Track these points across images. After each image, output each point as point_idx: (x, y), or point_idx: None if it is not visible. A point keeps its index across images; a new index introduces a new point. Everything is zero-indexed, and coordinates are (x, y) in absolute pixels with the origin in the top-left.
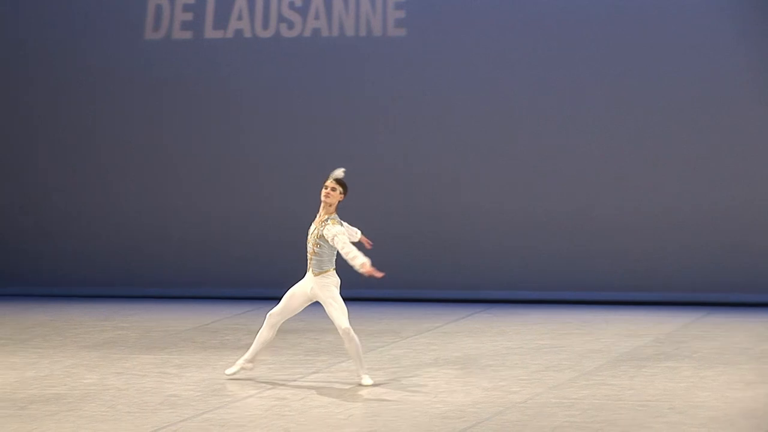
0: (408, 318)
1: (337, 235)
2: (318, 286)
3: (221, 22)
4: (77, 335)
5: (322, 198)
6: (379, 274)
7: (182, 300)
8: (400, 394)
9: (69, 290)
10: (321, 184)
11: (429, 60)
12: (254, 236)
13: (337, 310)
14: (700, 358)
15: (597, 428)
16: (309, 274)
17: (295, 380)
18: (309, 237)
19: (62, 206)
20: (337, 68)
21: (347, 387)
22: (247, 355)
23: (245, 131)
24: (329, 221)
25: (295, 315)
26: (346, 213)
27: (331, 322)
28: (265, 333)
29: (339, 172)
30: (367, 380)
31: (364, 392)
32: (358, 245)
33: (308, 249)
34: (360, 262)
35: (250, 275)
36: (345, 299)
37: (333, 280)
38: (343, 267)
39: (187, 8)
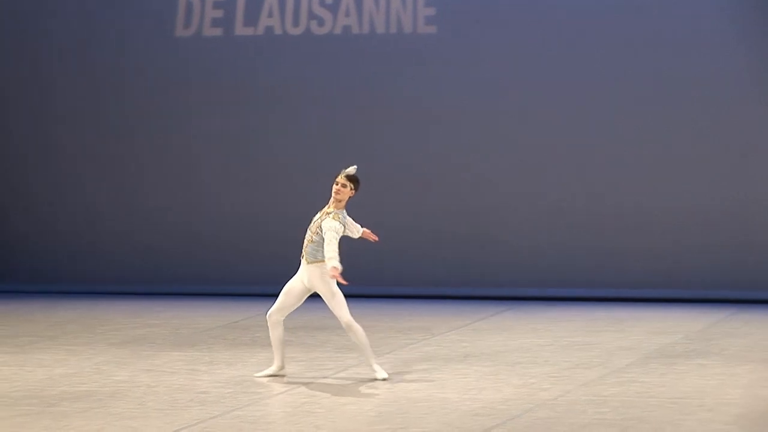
0: (438, 315)
1: (329, 231)
2: (315, 277)
3: (252, 19)
4: (107, 332)
5: (333, 194)
6: (344, 282)
7: (213, 297)
8: (430, 390)
9: (98, 287)
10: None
11: (459, 57)
12: (285, 234)
13: (338, 303)
14: (730, 356)
15: (627, 425)
16: (302, 263)
17: (325, 377)
18: (311, 224)
19: (95, 203)
20: (368, 65)
21: (377, 384)
22: (276, 362)
23: (275, 128)
24: (331, 215)
25: (306, 310)
26: (381, 210)
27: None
28: (274, 333)
29: (351, 169)
30: (381, 373)
31: (394, 389)
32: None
33: (306, 236)
34: (332, 265)
35: (279, 272)
36: (376, 297)
37: (327, 271)
38: (368, 261)
39: (217, 5)
